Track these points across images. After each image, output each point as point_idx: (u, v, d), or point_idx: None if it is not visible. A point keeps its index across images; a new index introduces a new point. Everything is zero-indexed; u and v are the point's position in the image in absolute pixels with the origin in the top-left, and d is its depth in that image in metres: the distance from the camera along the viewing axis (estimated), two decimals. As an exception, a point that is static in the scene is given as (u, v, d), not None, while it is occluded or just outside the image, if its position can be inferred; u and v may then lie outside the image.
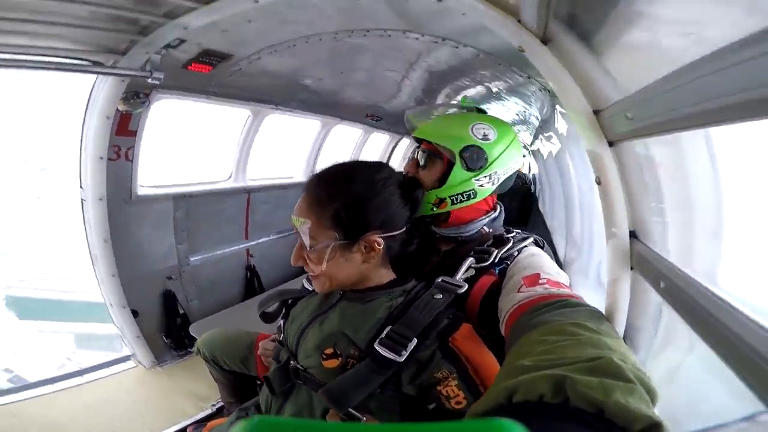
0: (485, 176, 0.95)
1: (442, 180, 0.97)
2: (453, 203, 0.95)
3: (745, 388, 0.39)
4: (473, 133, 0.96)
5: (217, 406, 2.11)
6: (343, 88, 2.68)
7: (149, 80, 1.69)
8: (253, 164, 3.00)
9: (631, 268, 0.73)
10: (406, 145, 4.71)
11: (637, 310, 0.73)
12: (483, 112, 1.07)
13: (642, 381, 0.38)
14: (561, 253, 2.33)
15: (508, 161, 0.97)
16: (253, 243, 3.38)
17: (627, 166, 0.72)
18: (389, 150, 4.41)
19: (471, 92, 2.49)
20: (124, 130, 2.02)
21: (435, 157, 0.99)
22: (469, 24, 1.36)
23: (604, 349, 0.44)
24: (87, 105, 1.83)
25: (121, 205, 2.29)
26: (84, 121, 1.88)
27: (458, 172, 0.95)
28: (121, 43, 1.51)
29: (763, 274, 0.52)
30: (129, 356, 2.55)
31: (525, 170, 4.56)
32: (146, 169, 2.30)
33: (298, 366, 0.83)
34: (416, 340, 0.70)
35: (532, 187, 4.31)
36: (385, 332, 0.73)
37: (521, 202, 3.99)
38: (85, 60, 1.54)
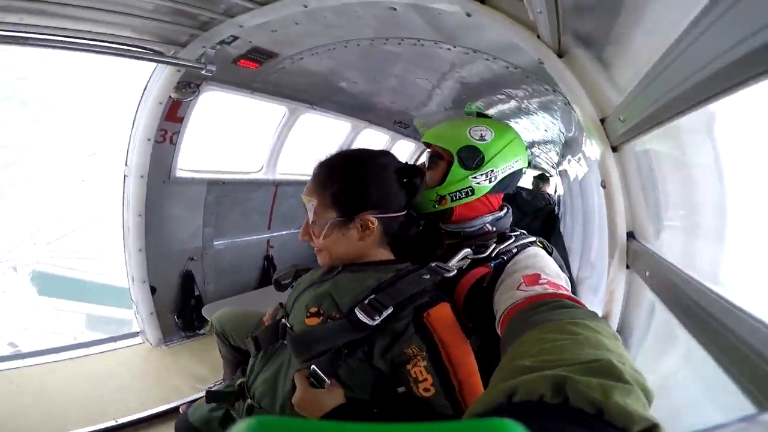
0: (482, 174, 1.00)
1: (444, 179, 1.03)
2: (452, 200, 1.01)
3: (740, 385, 0.40)
4: (470, 134, 1.02)
5: (214, 389, 2.18)
6: (375, 93, 2.79)
7: (203, 72, 1.86)
8: (284, 159, 3.16)
9: (627, 267, 0.76)
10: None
11: (632, 307, 0.76)
12: (486, 116, 1.14)
13: (639, 383, 0.39)
14: (575, 272, 2.30)
15: (505, 160, 1.02)
16: (274, 234, 3.50)
17: (627, 169, 0.77)
18: (414, 158, 4.49)
19: (502, 107, 2.54)
20: (172, 116, 2.21)
21: (437, 158, 1.05)
22: (497, 38, 1.43)
23: (603, 350, 0.45)
24: (144, 91, 2.03)
25: (159, 184, 2.46)
26: (139, 106, 2.08)
27: (456, 170, 1.01)
28: (181, 35, 1.68)
29: (756, 270, 0.54)
30: (137, 333, 2.65)
31: (551, 190, 4.51)
32: (186, 154, 2.49)
33: (287, 324, 0.89)
34: (392, 309, 0.73)
35: (557, 208, 4.26)
36: (367, 300, 0.77)
37: (543, 222, 3.94)
38: (149, 49, 1.72)
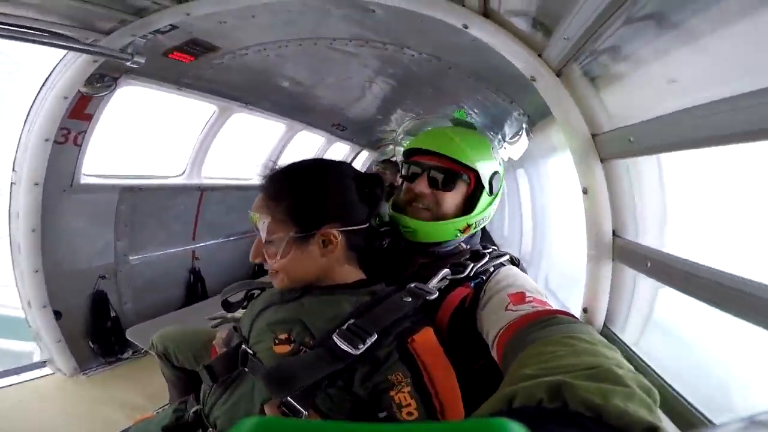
0: (498, 201, 0.97)
1: (468, 204, 0.95)
2: (474, 228, 0.95)
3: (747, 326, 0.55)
4: (494, 155, 0.96)
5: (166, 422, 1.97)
6: (320, 95, 2.73)
7: (128, 63, 1.64)
8: (211, 162, 2.91)
9: (612, 260, 0.93)
10: (365, 157, 4.85)
11: (619, 293, 0.93)
12: (473, 127, 1.06)
13: (641, 385, 0.39)
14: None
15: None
16: (200, 245, 3.20)
17: (615, 178, 0.92)
18: (349, 160, 4.55)
19: (447, 110, 2.70)
20: (79, 113, 1.87)
21: (458, 178, 0.94)
22: (479, 52, 1.36)
23: (601, 357, 0.46)
24: (44, 83, 1.69)
25: (58, 192, 2.07)
26: (35, 100, 1.73)
27: (485, 197, 0.94)
28: (106, 21, 1.46)
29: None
30: (44, 362, 2.23)
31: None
32: (95, 157, 2.14)
33: (248, 350, 0.81)
34: (376, 336, 0.68)
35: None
36: (346, 325, 0.71)
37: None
38: (59, 34, 1.47)
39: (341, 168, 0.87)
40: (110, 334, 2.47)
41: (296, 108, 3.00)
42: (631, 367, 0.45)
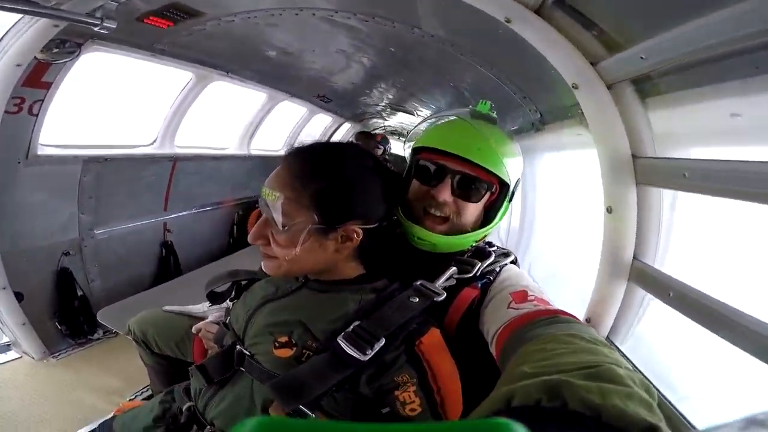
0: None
1: (488, 214, 0.90)
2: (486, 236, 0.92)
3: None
4: (520, 158, 0.92)
5: (142, 397, 1.92)
6: (308, 66, 2.54)
7: (97, 29, 1.40)
8: (185, 131, 2.67)
9: (628, 281, 0.96)
10: (346, 128, 4.67)
11: (629, 314, 0.98)
12: (495, 122, 0.95)
13: (641, 384, 0.39)
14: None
15: None
16: (172, 216, 3.03)
17: (647, 203, 0.92)
18: (329, 133, 4.35)
19: (446, 94, 2.54)
20: (35, 80, 1.62)
21: (486, 189, 0.87)
22: (511, 48, 1.25)
23: (601, 356, 0.46)
24: None
25: (11, 165, 1.85)
26: None
27: (506, 205, 0.90)
28: None
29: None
30: (8, 345, 2.12)
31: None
32: (54, 127, 1.88)
33: (245, 351, 0.76)
34: (384, 341, 0.65)
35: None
36: (351, 327, 0.67)
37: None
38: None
39: (372, 163, 0.80)
40: (78, 313, 2.35)
41: (280, 77, 2.79)
42: (630, 367, 0.44)
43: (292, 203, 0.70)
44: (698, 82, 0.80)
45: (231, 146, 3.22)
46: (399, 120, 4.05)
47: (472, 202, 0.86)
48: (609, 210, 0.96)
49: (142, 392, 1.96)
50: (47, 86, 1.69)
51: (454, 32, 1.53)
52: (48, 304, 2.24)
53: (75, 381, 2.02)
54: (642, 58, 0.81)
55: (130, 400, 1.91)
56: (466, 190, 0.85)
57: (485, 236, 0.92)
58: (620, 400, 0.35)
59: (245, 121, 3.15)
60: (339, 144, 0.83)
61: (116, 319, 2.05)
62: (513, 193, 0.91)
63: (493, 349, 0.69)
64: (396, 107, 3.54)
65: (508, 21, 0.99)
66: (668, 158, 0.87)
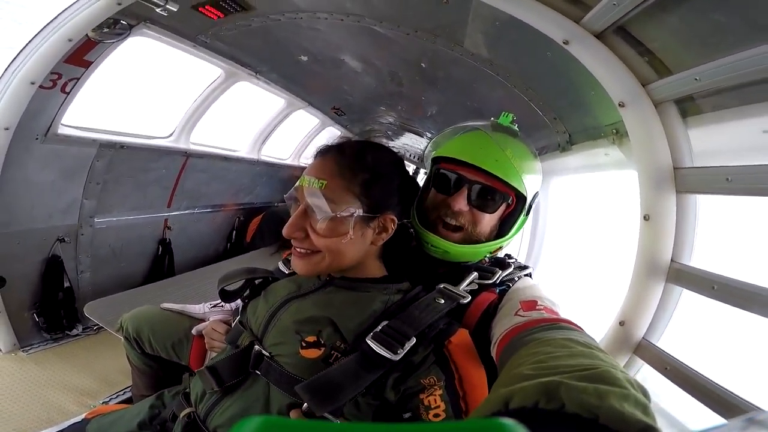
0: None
1: (503, 227, 0.91)
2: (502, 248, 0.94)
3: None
4: (540, 172, 0.93)
5: (117, 401, 1.78)
6: (335, 76, 2.60)
7: (159, 10, 1.45)
8: (202, 128, 2.66)
9: (666, 282, 1.03)
10: None
11: (665, 313, 1.04)
12: (517, 134, 0.97)
13: (636, 386, 0.40)
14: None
15: None
16: (175, 213, 2.95)
17: (686, 210, 1.01)
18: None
19: (460, 114, 2.59)
20: (77, 58, 1.61)
21: (503, 200, 0.89)
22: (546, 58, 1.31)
23: (598, 360, 0.46)
24: (51, 21, 1.43)
25: (29, 140, 1.79)
26: (33, 39, 1.45)
27: (521, 217, 0.91)
28: None
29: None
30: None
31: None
32: (80, 108, 1.85)
33: (264, 352, 0.73)
34: (415, 339, 0.64)
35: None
36: (380, 326, 0.67)
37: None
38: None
39: (402, 162, 0.86)
40: (60, 306, 2.20)
41: (304, 84, 2.84)
42: (625, 371, 0.45)
43: (343, 191, 0.72)
44: (733, 102, 0.91)
45: (242, 149, 3.22)
46: (404, 141, 4.15)
47: (488, 213, 0.88)
48: (646, 218, 1.05)
49: (118, 395, 1.81)
50: (87, 65, 1.68)
51: (497, 52, 1.59)
52: (30, 292, 2.08)
53: (44, 378, 1.84)
54: (696, 79, 0.91)
55: (103, 403, 1.76)
56: (482, 200, 0.87)
57: (499, 248, 0.93)
58: (617, 402, 0.35)
59: (259, 126, 3.18)
60: (373, 141, 0.88)
61: (104, 315, 1.95)
62: (531, 207, 0.92)
63: (493, 353, 0.69)
64: (405, 127, 3.64)
65: (566, 43, 1.08)
66: (709, 167, 0.96)
